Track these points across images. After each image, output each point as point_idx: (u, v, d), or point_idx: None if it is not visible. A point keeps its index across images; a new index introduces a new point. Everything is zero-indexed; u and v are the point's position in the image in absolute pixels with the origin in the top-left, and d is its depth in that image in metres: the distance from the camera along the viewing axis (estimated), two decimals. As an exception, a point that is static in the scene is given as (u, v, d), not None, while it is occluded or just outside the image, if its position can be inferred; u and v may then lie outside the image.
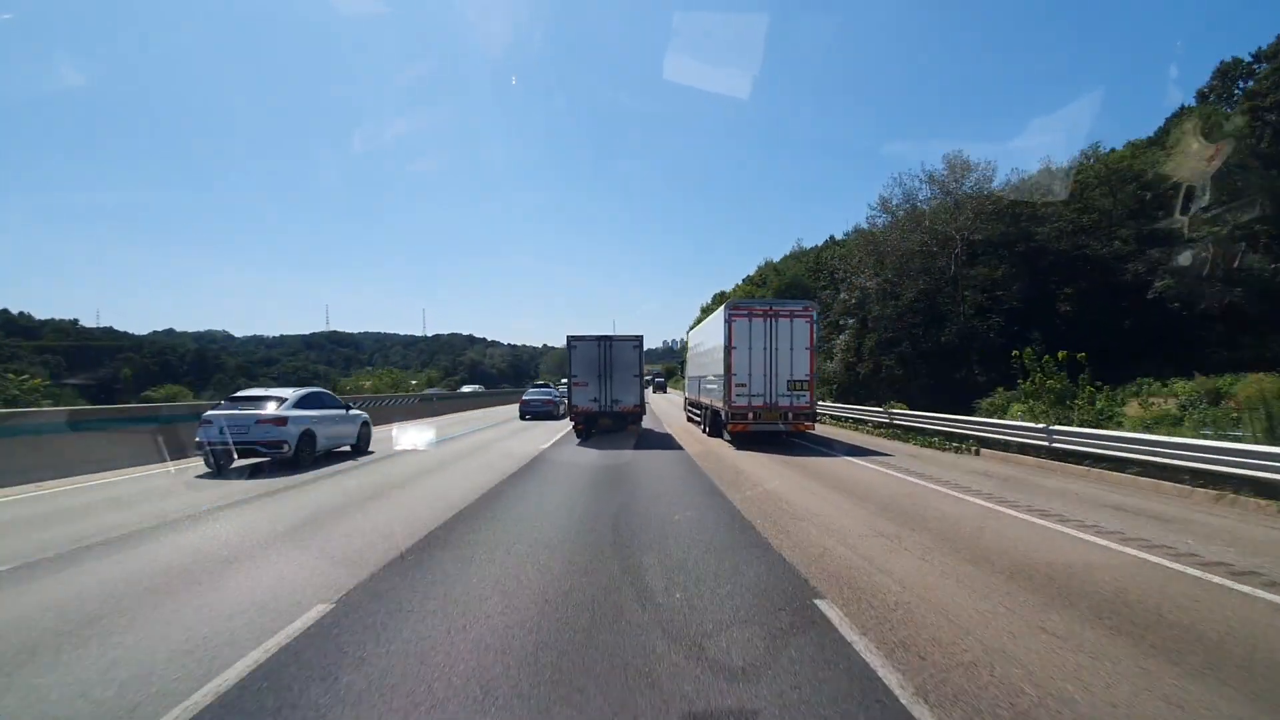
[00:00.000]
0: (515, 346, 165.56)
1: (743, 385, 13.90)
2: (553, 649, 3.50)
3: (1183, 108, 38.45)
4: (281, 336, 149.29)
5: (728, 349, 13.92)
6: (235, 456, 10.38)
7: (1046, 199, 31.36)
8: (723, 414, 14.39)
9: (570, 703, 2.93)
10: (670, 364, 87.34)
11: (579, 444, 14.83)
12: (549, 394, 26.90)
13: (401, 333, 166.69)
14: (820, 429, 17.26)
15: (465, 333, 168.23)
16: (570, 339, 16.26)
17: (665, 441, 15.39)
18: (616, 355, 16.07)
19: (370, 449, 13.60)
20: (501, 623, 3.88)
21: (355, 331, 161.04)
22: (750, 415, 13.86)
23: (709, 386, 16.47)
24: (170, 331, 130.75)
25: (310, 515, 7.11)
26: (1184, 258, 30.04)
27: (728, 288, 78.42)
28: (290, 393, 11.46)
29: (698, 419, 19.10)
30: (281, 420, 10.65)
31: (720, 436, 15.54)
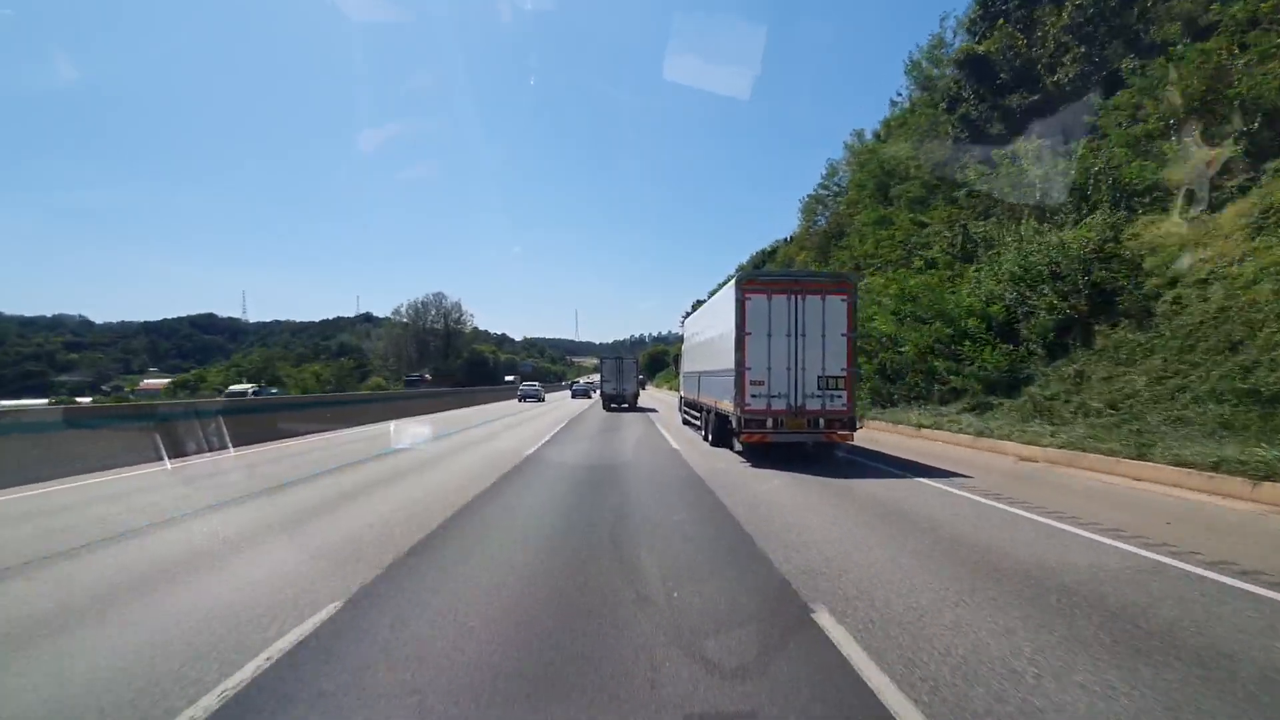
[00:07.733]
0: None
1: (759, 383, 10.65)
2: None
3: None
4: (145, 323, 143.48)
5: (740, 336, 10.67)
6: (526, 400, 43.93)
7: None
8: (733, 419, 11.13)
9: None
10: (650, 349, 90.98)
11: (605, 413, 25.63)
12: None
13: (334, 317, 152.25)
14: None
15: (370, 314, 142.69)
16: (601, 357, 33.13)
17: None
18: (624, 366, 29.88)
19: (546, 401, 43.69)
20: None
21: (269, 319, 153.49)
22: (770, 422, 10.62)
23: (714, 384, 13.10)
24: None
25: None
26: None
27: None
28: (536, 382, 56.22)
29: (696, 422, 15.76)
30: (538, 389, 48.12)
31: (728, 447, 12.32)
